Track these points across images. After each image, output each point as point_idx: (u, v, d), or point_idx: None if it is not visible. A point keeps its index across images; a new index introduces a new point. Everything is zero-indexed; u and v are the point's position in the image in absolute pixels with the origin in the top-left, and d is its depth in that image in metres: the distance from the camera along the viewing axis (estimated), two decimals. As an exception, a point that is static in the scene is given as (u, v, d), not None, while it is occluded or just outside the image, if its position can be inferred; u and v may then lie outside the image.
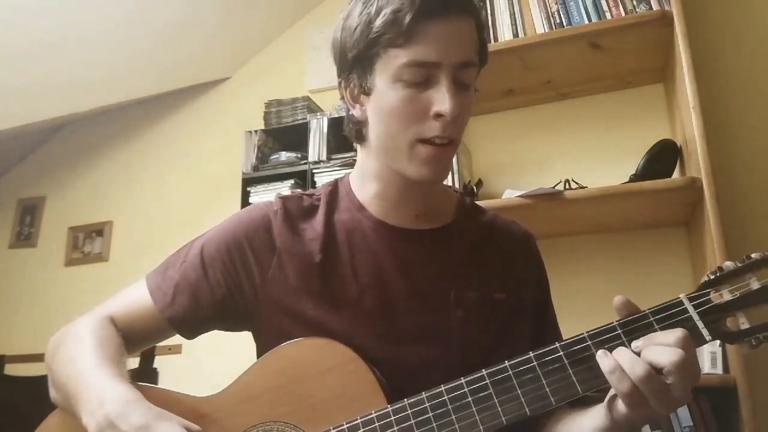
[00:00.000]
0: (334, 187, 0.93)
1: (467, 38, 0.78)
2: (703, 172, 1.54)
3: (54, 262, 3.10)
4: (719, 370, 1.47)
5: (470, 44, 0.78)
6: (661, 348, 0.63)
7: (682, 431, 1.49)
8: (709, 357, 1.49)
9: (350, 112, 0.86)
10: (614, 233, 1.96)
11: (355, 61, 0.80)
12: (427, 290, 0.83)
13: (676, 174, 1.82)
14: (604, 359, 0.64)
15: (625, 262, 1.93)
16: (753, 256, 0.66)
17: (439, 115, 0.76)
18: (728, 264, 0.67)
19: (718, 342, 1.47)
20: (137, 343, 0.86)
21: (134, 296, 0.87)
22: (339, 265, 0.84)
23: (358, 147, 0.91)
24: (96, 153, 3.25)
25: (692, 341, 0.64)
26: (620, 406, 0.66)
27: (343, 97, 0.86)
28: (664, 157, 1.78)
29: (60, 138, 3.38)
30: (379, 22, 0.75)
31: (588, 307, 1.87)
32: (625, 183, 1.76)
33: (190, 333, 0.87)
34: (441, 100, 0.75)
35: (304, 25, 2.88)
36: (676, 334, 0.63)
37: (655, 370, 0.62)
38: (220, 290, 0.85)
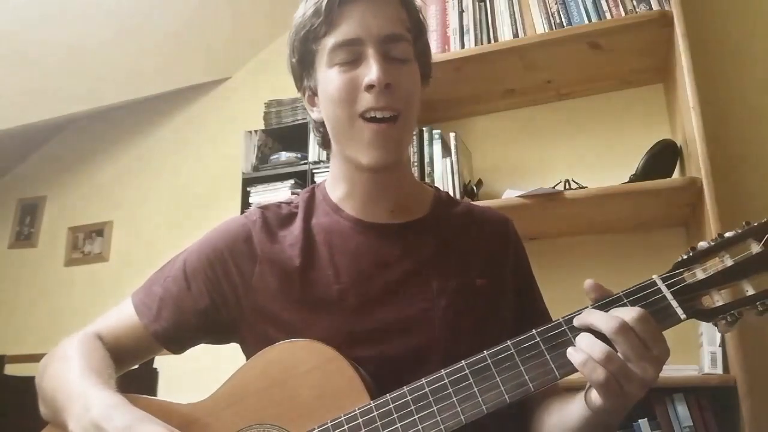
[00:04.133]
0: (311, 193, 0.95)
1: (389, 13, 0.82)
2: (703, 172, 1.54)
3: (54, 262, 3.10)
4: (719, 370, 1.47)
5: (394, 19, 0.82)
6: (600, 314, 0.65)
7: (682, 431, 1.49)
8: (709, 357, 1.49)
9: (313, 119, 0.91)
10: (614, 233, 1.96)
11: (300, 65, 0.86)
12: (408, 283, 0.84)
13: (676, 174, 1.82)
14: (574, 355, 0.65)
15: (625, 262, 1.93)
16: (726, 234, 0.67)
17: (370, 87, 0.79)
18: (702, 244, 0.67)
19: (718, 342, 1.49)
20: (126, 361, 0.87)
21: (120, 314, 0.88)
22: (319, 268, 0.85)
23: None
24: (96, 153, 3.25)
25: (656, 317, 0.65)
26: (594, 395, 0.67)
27: (305, 109, 0.91)
28: (664, 157, 1.78)
29: (60, 138, 3.38)
30: (304, 19, 0.83)
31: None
32: (625, 183, 1.76)
33: (177, 347, 0.88)
34: (369, 71, 0.79)
35: (304, 25, 2.88)
36: (630, 309, 0.65)
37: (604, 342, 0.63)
38: (204, 302, 0.85)
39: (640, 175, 1.75)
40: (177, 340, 0.87)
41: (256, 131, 2.60)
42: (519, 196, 1.74)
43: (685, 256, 0.67)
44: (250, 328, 0.85)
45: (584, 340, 0.65)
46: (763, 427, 1.42)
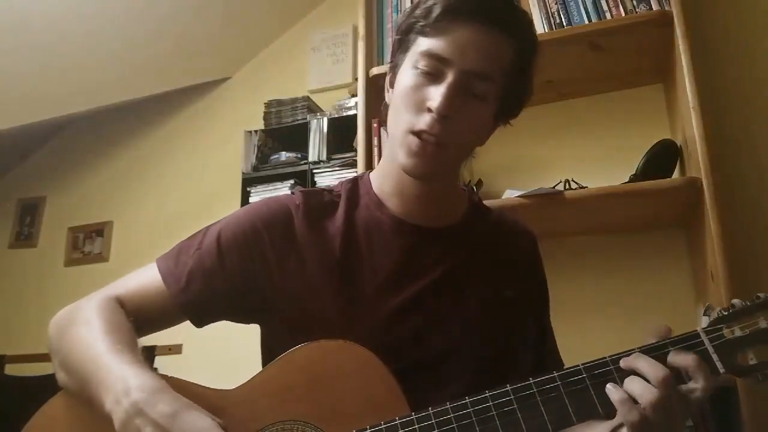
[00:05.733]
0: (354, 184, 0.93)
1: (491, 49, 0.79)
2: (703, 172, 1.54)
3: (54, 262, 3.10)
4: (719, 370, 1.47)
5: (492, 57, 0.79)
6: (648, 360, 0.67)
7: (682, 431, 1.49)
8: (709, 357, 1.49)
9: (384, 101, 0.89)
10: (614, 233, 1.96)
11: (398, 44, 0.86)
12: (441, 288, 0.84)
13: (676, 174, 1.82)
14: (613, 391, 0.67)
15: (624, 262, 1.93)
16: (760, 296, 0.71)
17: (429, 110, 0.78)
18: (736, 302, 0.71)
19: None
20: (145, 328, 0.85)
21: (145, 280, 0.86)
22: (358, 263, 0.84)
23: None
24: (96, 153, 3.25)
25: (707, 369, 0.67)
26: None
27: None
28: (664, 157, 1.78)
29: (60, 138, 3.38)
30: (418, 11, 0.82)
31: (587, 307, 1.87)
32: (625, 183, 1.76)
33: (201, 321, 0.86)
34: (435, 95, 0.77)
35: (304, 25, 2.87)
36: (662, 373, 0.66)
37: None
38: (235, 280, 0.84)
39: (640, 175, 1.75)
40: (202, 314, 0.85)
41: (256, 131, 2.60)
42: (519, 196, 1.74)
43: (724, 312, 0.71)
44: (279, 313, 0.84)
45: (630, 382, 0.67)
46: (763, 427, 1.42)
